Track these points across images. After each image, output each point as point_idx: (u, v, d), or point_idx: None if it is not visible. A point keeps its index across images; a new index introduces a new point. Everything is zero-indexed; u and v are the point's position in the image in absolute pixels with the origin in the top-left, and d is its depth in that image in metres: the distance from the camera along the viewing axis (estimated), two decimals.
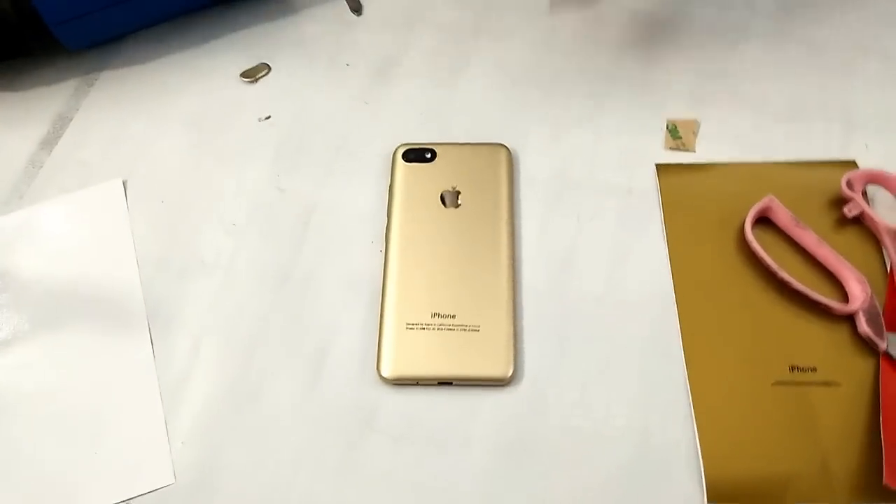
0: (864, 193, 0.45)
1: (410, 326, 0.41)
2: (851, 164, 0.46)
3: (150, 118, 0.50)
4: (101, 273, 0.45)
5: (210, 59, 0.52)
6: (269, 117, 0.50)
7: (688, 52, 0.51)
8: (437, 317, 0.42)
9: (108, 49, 0.53)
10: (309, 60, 0.52)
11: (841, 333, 0.41)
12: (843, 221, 0.45)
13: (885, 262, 0.43)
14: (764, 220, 0.45)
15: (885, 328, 0.41)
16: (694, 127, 0.48)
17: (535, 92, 0.50)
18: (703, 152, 0.47)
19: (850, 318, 0.42)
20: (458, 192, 0.46)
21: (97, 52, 0.53)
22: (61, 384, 0.42)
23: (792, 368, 0.41)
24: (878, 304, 0.41)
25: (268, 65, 0.52)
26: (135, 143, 0.49)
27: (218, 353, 0.42)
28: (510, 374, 0.40)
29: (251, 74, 0.51)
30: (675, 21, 0.53)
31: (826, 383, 0.40)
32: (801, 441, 0.39)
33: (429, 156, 0.47)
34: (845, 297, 0.42)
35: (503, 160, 0.46)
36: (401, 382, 0.41)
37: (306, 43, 0.53)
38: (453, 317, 0.42)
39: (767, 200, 0.44)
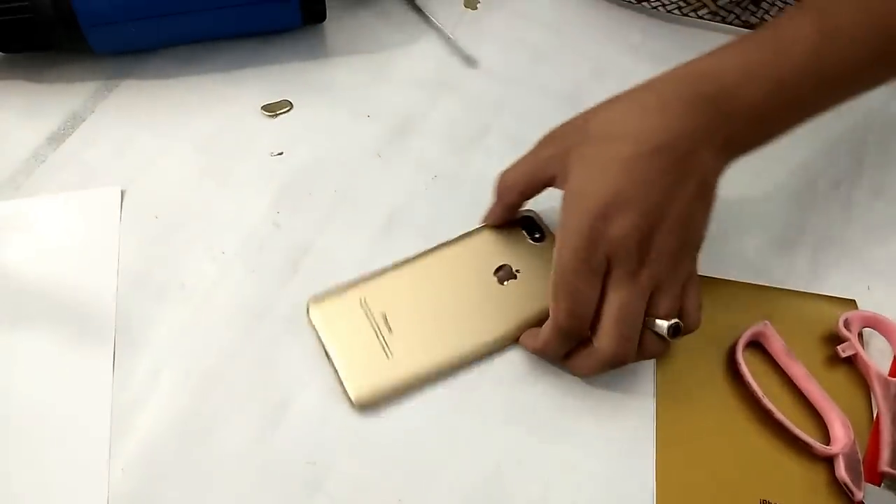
0: (860, 335, 0.44)
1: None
2: (851, 303, 0.46)
3: (162, 133, 0.50)
4: (78, 277, 0.44)
5: (233, 87, 0.52)
6: (281, 153, 0.49)
7: None
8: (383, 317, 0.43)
9: (135, 58, 0.53)
10: (332, 105, 0.52)
11: (818, 474, 0.40)
12: (836, 360, 0.44)
13: (871, 408, 0.42)
14: (755, 345, 0.44)
15: (863, 477, 0.39)
16: None
17: None
18: (703, 266, 0.47)
19: (829, 461, 0.40)
20: (518, 274, 0.45)
21: (123, 60, 0.53)
22: (9, 384, 0.40)
23: (763, 503, 0.39)
24: (859, 450, 0.40)
25: (290, 102, 0.52)
26: (141, 155, 0.49)
27: (178, 381, 0.41)
28: (356, 403, 0.40)
29: (272, 109, 0.51)
30: None
31: None
32: None
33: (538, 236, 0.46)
34: (827, 438, 0.41)
35: None
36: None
37: (332, 88, 0.53)
38: (390, 331, 0.42)
39: (762, 326, 0.43)
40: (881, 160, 0.53)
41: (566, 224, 0.38)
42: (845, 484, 0.39)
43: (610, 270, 0.38)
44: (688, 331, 0.40)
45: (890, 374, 0.43)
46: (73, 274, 0.44)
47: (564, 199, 0.39)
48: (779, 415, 0.41)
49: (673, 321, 0.39)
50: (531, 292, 0.43)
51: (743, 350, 0.43)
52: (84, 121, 0.50)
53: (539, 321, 0.41)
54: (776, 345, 0.43)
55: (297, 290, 0.44)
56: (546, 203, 0.45)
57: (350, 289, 0.44)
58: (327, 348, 0.42)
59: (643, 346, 0.39)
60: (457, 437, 0.41)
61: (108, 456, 0.38)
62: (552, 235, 0.45)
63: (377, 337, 0.42)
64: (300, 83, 0.53)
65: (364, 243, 0.46)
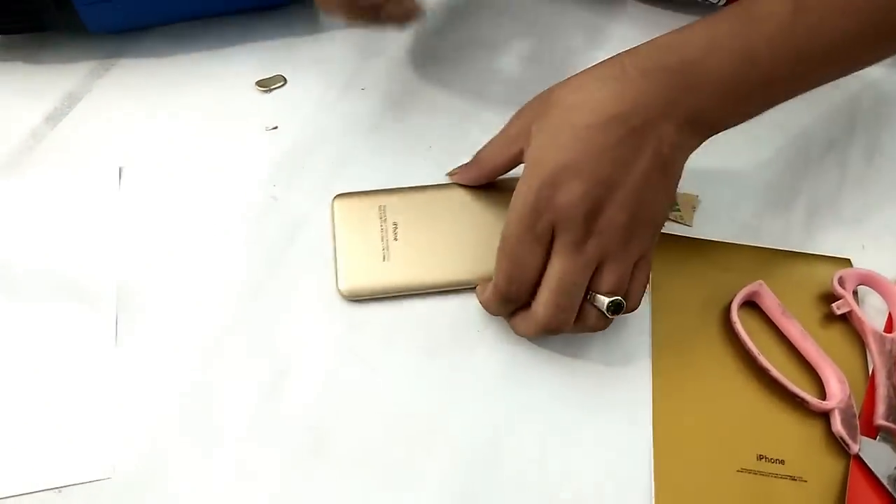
0: (855, 293, 0.45)
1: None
2: (846, 262, 0.46)
3: (158, 111, 0.50)
4: (79, 254, 0.44)
5: (227, 63, 0.52)
6: (275, 128, 0.50)
7: None
8: (394, 226, 0.45)
9: (129, 37, 0.53)
10: (326, 79, 0.52)
11: (814, 429, 0.41)
12: (831, 317, 0.44)
13: (867, 364, 0.43)
14: (751, 305, 0.44)
15: (859, 431, 0.40)
16: (694, 202, 0.48)
17: None
18: (699, 227, 0.47)
19: (825, 416, 0.41)
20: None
21: (118, 39, 0.53)
22: (15, 354, 0.41)
23: (759, 457, 0.40)
24: (854, 405, 0.40)
25: (284, 77, 0.52)
26: (138, 133, 0.49)
27: (179, 353, 0.41)
28: (344, 293, 0.43)
29: (266, 84, 0.51)
30: None
31: (792, 478, 0.39)
32: None
33: None
34: (823, 393, 0.41)
35: None
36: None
37: (326, 62, 0.53)
38: (396, 240, 0.44)
39: (756, 285, 0.44)
40: (874, 123, 0.53)
41: (517, 191, 0.38)
42: (841, 438, 0.40)
43: (555, 239, 0.38)
44: (628, 310, 0.39)
45: (885, 331, 0.43)
46: (74, 250, 0.44)
47: (524, 167, 0.39)
48: (775, 372, 0.41)
49: (614, 298, 0.38)
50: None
51: (738, 309, 0.43)
52: (81, 100, 0.51)
53: None
54: (771, 303, 0.43)
55: (294, 262, 0.45)
56: None
57: (374, 195, 0.46)
58: (336, 238, 0.45)
59: (582, 319, 0.39)
60: (456, 400, 0.41)
61: (113, 425, 0.39)
62: None
63: (381, 240, 0.45)
64: (294, 58, 0.53)
65: None
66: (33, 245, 0.44)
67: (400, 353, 0.42)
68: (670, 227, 0.47)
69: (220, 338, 0.42)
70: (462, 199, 0.46)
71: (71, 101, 0.51)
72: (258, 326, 0.43)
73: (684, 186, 0.48)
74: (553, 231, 0.37)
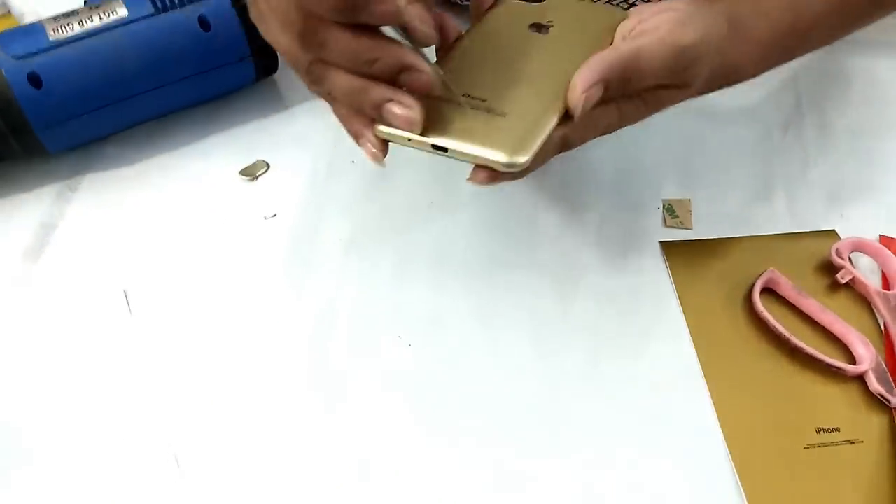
0: (850, 261, 0.49)
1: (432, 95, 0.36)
2: (832, 234, 0.50)
3: (144, 221, 0.48)
4: (100, 393, 0.42)
5: (202, 158, 0.51)
6: (275, 215, 0.48)
7: (674, 136, 0.55)
8: (466, 97, 0.37)
9: (90, 151, 0.50)
10: (308, 157, 0.51)
11: (854, 393, 0.44)
12: (835, 286, 0.48)
13: (878, 322, 0.47)
14: (767, 291, 0.48)
15: (894, 384, 0.44)
16: (688, 205, 0.51)
17: (537, 179, 0.52)
18: (698, 229, 0.50)
19: (860, 378, 0.45)
20: (551, 25, 0.42)
21: (78, 155, 0.50)
22: None
23: (818, 430, 0.43)
24: (882, 362, 0.45)
25: (266, 162, 0.51)
26: (128, 251, 0.47)
27: (216, 474, 0.40)
28: (521, 160, 0.35)
29: (250, 172, 0.50)
30: None
31: (850, 441, 0.43)
32: (843, 501, 0.41)
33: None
34: (852, 359, 0.45)
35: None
36: (391, 139, 0.36)
37: (303, 138, 0.52)
38: (484, 100, 0.37)
39: (770, 273, 0.47)
40: (817, 99, 0.58)
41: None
42: (880, 395, 0.44)
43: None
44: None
45: (883, 288, 0.48)
46: (94, 388, 0.42)
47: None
48: (809, 349, 0.45)
49: None
50: (571, 34, 0.41)
51: (759, 298, 0.47)
52: (56, 228, 0.47)
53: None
54: (786, 287, 0.47)
55: (336, 346, 0.44)
56: None
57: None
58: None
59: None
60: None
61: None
62: None
63: (478, 110, 0.37)
64: (269, 140, 0.52)
65: (384, 284, 0.46)
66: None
67: None
68: (674, 234, 0.50)
69: (263, 456, 0.40)
70: (478, 42, 0.41)
71: (45, 231, 0.47)
72: (305, 434, 0.41)
73: (675, 193, 0.52)
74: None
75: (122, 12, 0.46)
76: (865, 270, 0.49)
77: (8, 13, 0.58)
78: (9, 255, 0.46)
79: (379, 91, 0.34)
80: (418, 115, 0.34)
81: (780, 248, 0.50)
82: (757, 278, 0.47)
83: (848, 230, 0.50)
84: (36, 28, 0.46)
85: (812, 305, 0.46)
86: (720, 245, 0.50)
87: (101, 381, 0.42)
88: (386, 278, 0.47)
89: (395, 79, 0.34)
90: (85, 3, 0.52)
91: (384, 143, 0.36)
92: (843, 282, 0.48)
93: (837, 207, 0.52)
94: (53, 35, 0.45)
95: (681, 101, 0.42)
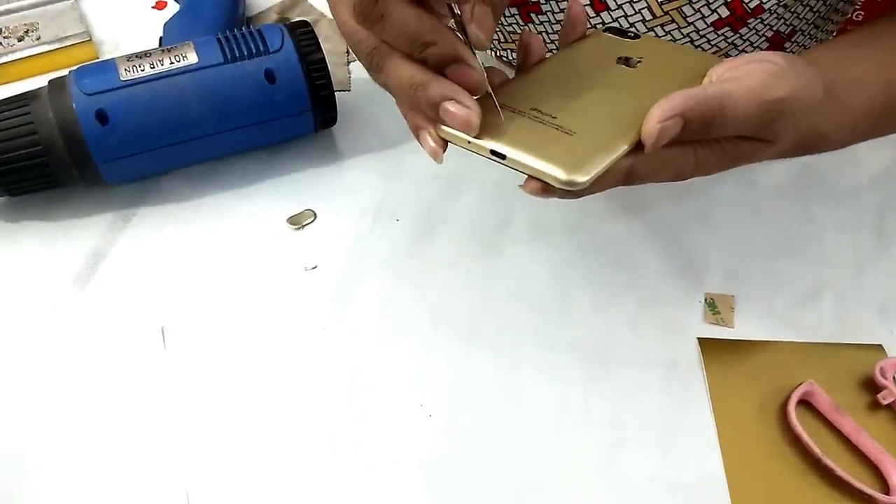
0: (894, 380, 0.47)
1: (501, 105, 0.36)
2: (879, 348, 0.49)
3: (191, 260, 0.49)
4: (121, 421, 0.43)
5: (253, 202, 0.52)
6: (315, 267, 0.49)
7: (721, 230, 0.54)
8: (534, 111, 0.36)
9: (148, 184, 0.52)
10: (356, 209, 0.52)
11: None
12: (875, 406, 0.46)
13: None
14: (803, 402, 0.46)
15: None
16: (731, 302, 0.50)
17: (577, 257, 0.52)
18: (739, 328, 0.49)
19: None
20: (640, 61, 0.41)
21: (134, 187, 0.52)
22: None
23: None
24: None
25: (314, 212, 0.52)
26: (173, 286, 0.48)
27: None
28: (579, 180, 0.33)
29: (297, 221, 0.51)
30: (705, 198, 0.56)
31: None
32: None
33: (630, 35, 0.43)
34: (886, 487, 0.44)
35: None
36: (452, 140, 0.36)
37: (352, 191, 0.53)
38: (553, 117, 0.36)
39: (808, 385, 0.46)
40: (876, 202, 0.56)
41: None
42: None
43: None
44: None
45: None
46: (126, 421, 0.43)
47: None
48: (841, 472, 0.43)
49: None
50: (660, 71, 0.41)
51: (794, 410, 0.45)
52: (106, 257, 0.49)
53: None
54: (824, 402, 0.45)
55: (357, 410, 0.44)
56: None
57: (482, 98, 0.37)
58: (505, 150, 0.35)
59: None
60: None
61: None
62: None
63: (545, 125, 0.36)
64: (319, 190, 0.53)
65: (415, 348, 0.47)
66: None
67: None
68: (714, 332, 0.49)
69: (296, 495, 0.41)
70: (563, 65, 0.41)
71: (97, 258, 0.49)
72: (318, 495, 0.41)
73: (719, 289, 0.51)
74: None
75: (192, 58, 0.48)
76: None
77: (88, 40, 0.61)
78: (60, 279, 0.48)
79: (438, 87, 0.34)
80: (475, 116, 0.34)
81: (822, 357, 0.48)
82: (794, 389, 0.46)
83: (894, 348, 0.49)
84: (109, 66, 0.48)
85: (849, 424, 0.45)
86: (760, 348, 0.48)
87: (124, 411, 0.43)
88: (415, 342, 0.47)
89: (444, 69, 0.34)
90: (160, 43, 0.54)
91: (444, 142, 0.36)
92: (885, 403, 0.46)
93: (887, 322, 0.50)
94: (125, 75, 0.47)
95: (761, 159, 0.40)
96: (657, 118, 0.34)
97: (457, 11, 0.34)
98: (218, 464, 0.42)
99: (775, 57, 0.38)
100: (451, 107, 0.34)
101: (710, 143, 0.38)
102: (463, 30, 0.34)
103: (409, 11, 0.33)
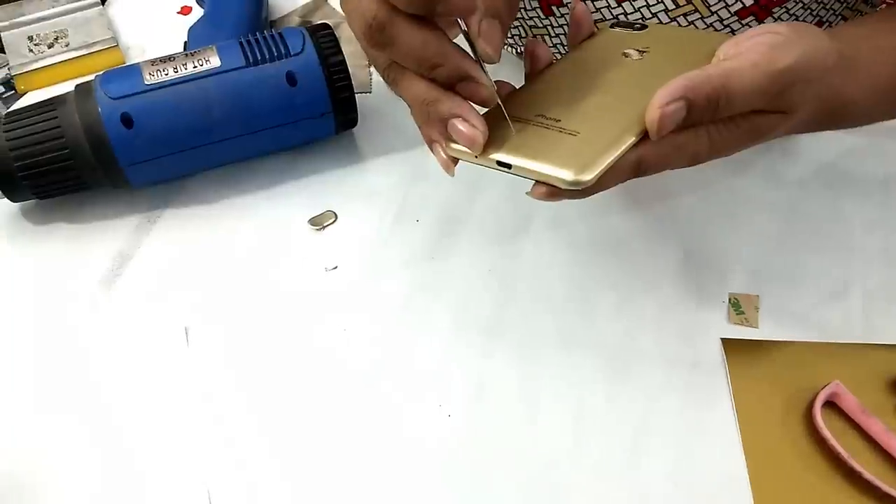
0: None
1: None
2: None
3: (214, 261, 0.50)
4: (156, 424, 0.44)
5: (275, 204, 0.53)
6: (335, 268, 0.50)
7: (746, 227, 0.53)
8: (539, 117, 0.37)
9: (172, 187, 0.53)
10: (377, 211, 0.52)
11: None
12: None
13: None
14: (830, 404, 0.46)
15: None
16: (756, 302, 0.49)
17: (599, 256, 0.51)
18: (764, 328, 0.48)
19: None
20: (646, 51, 0.41)
21: (160, 189, 0.53)
22: None
23: None
24: None
25: (335, 213, 0.52)
26: (197, 287, 0.49)
27: None
28: (584, 179, 0.33)
29: (318, 222, 0.51)
30: (728, 195, 0.55)
31: None
32: None
33: (637, 27, 0.44)
34: None
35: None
36: (460, 156, 0.36)
37: (373, 193, 0.53)
38: (557, 121, 0.37)
39: (834, 386, 0.45)
40: None
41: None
42: None
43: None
44: None
45: None
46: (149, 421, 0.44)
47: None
48: (868, 475, 0.42)
49: None
50: (667, 59, 0.41)
51: (820, 412, 0.45)
52: (132, 258, 0.50)
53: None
54: (851, 404, 0.45)
55: (376, 406, 0.44)
56: None
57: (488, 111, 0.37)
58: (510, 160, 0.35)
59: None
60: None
61: None
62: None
63: (549, 129, 0.36)
64: (341, 191, 0.54)
65: (435, 348, 0.47)
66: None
67: None
68: (738, 332, 0.48)
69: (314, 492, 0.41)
70: (568, 67, 0.41)
71: (122, 260, 0.50)
72: (337, 495, 0.41)
73: (743, 288, 0.50)
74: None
75: (215, 62, 0.49)
76: None
77: (115, 46, 0.62)
78: (87, 280, 0.49)
79: (448, 105, 0.35)
80: (481, 136, 0.35)
81: (848, 358, 0.47)
82: (820, 390, 0.45)
83: None
84: (134, 70, 0.49)
85: (877, 427, 0.44)
86: (785, 348, 0.48)
87: (148, 410, 0.44)
88: (435, 343, 0.47)
89: (454, 87, 0.35)
90: (185, 48, 0.55)
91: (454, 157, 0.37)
92: None
93: None
94: (149, 79, 0.48)
95: (783, 133, 0.39)
96: (658, 104, 0.34)
97: (464, 27, 0.35)
98: (239, 462, 0.42)
99: (780, 27, 0.38)
100: (458, 124, 0.35)
101: (725, 122, 0.37)
102: (472, 44, 0.35)
103: (415, 35, 0.34)
